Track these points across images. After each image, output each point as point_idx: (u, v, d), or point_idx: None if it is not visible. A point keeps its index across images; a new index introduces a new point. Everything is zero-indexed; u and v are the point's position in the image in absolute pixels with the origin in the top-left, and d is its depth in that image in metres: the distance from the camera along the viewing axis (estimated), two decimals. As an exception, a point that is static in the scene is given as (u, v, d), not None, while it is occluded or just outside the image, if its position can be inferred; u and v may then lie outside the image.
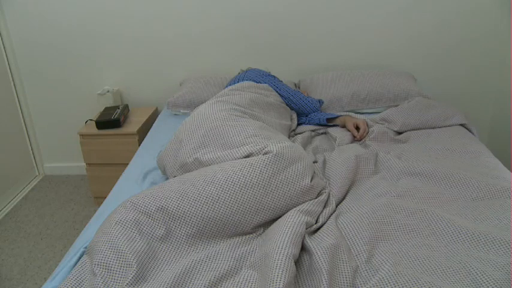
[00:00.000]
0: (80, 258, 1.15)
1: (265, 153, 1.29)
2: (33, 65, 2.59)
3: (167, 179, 1.58)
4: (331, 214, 1.25)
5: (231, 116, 1.53)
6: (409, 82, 2.16)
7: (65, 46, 2.53)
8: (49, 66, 2.59)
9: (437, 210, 1.22)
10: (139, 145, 2.23)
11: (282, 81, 2.05)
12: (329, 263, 0.98)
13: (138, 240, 1.06)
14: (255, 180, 1.18)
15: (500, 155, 2.37)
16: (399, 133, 1.83)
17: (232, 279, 1.02)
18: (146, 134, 2.32)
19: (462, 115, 1.85)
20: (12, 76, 2.61)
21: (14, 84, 2.63)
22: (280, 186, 1.21)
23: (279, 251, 0.97)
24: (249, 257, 1.09)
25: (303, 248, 1.07)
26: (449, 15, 2.31)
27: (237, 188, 1.17)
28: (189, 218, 1.13)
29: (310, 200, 1.27)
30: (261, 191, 1.18)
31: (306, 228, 1.12)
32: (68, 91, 2.65)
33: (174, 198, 1.15)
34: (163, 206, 1.14)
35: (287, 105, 1.95)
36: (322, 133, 1.88)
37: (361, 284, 0.98)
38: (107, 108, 2.45)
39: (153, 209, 1.14)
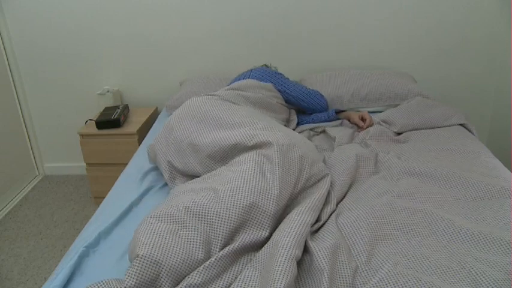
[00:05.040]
0: (79, 258, 1.15)
1: (258, 145, 1.32)
2: (33, 65, 2.59)
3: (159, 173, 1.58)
4: (332, 213, 1.25)
5: (223, 103, 1.58)
6: (409, 82, 2.16)
7: (65, 46, 2.53)
8: (49, 66, 2.59)
9: (437, 210, 1.22)
10: (139, 145, 2.23)
11: (288, 78, 2.05)
12: (330, 263, 0.98)
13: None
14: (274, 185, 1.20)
15: (500, 155, 2.37)
16: (399, 133, 1.83)
17: (235, 277, 1.03)
18: (146, 134, 2.32)
19: (462, 115, 1.85)
20: (12, 76, 2.61)
21: (14, 85, 2.63)
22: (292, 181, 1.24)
23: (282, 252, 0.97)
24: (253, 257, 1.09)
25: (304, 248, 1.07)
26: (449, 15, 2.31)
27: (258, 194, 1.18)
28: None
29: (314, 183, 1.29)
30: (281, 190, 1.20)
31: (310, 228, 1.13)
32: (68, 91, 2.65)
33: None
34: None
35: (296, 104, 1.96)
36: (321, 132, 1.88)
37: (361, 284, 0.98)
38: (107, 108, 2.45)
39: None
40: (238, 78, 2.02)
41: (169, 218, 1.12)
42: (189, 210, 1.13)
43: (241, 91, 1.75)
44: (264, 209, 1.13)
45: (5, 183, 2.52)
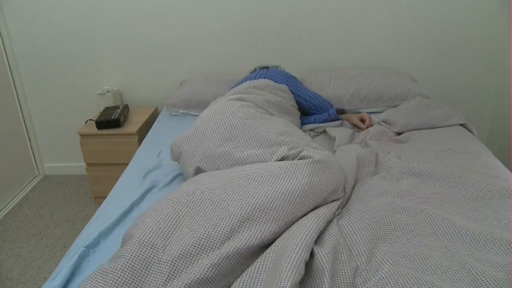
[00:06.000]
0: (79, 258, 1.15)
1: (301, 158, 1.30)
2: (33, 65, 2.59)
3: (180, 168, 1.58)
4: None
5: (257, 112, 1.55)
6: (409, 82, 2.16)
7: (65, 46, 2.53)
8: (49, 66, 2.59)
9: (438, 210, 1.22)
10: (139, 145, 2.23)
11: (301, 82, 2.08)
12: (330, 263, 0.98)
13: None
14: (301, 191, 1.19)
15: (500, 155, 2.37)
16: (399, 133, 1.83)
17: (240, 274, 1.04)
18: (146, 134, 2.32)
19: (462, 115, 1.85)
20: (12, 76, 2.61)
21: (14, 85, 2.63)
22: (318, 191, 1.22)
23: (291, 254, 0.97)
24: (260, 255, 1.09)
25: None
26: (449, 15, 2.31)
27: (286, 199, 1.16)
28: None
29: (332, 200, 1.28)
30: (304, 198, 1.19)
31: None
32: (68, 91, 2.65)
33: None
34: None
35: (306, 107, 1.98)
36: (321, 132, 1.88)
37: (361, 284, 0.98)
38: (107, 108, 2.45)
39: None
40: (250, 77, 2.03)
41: (179, 198, 1.15)
42: (198, 192, 1.15)
43: (260, 90, 1.77)
44: (279, 207, 1.13)
45: (5, 183, 2.52)
